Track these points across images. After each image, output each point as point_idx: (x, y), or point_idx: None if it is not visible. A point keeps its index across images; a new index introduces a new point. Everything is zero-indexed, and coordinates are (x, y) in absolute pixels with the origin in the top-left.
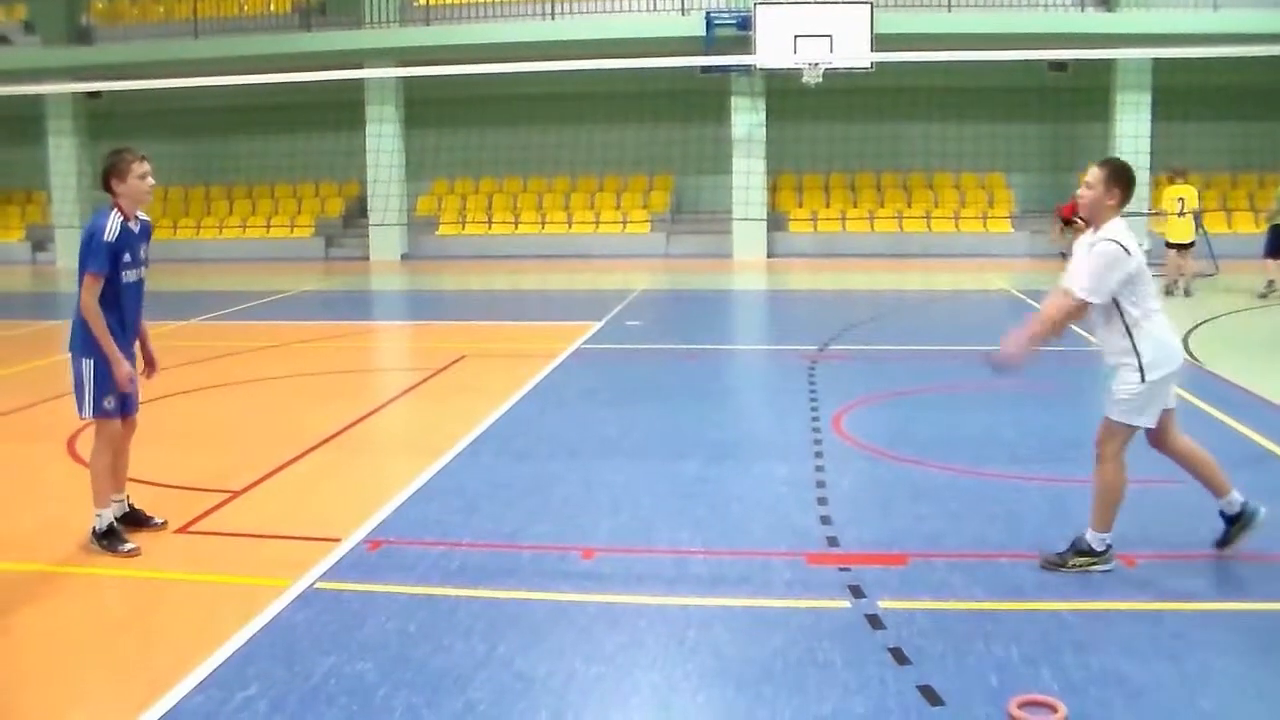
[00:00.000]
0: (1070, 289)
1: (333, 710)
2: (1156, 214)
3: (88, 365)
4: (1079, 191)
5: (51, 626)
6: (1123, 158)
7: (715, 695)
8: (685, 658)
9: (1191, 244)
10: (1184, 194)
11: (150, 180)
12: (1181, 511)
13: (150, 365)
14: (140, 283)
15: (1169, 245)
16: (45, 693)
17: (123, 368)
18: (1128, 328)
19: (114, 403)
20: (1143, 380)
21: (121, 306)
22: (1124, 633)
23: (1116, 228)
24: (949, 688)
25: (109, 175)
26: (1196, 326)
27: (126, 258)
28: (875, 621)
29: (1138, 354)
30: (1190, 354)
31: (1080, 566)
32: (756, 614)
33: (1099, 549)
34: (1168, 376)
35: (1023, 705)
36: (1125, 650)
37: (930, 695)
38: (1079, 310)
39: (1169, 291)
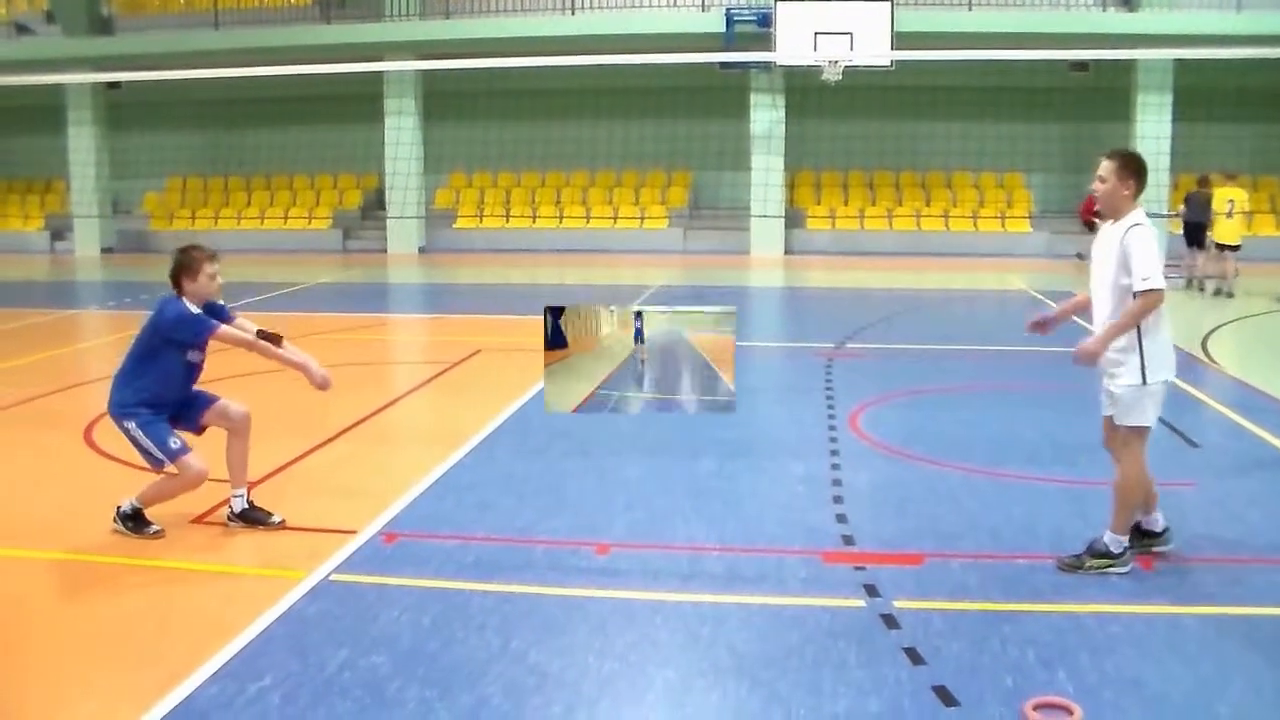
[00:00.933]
0: (1133, 285)
1: (346, 703)
2: (1176, 215)
3: (134, 426)
4: (1093, 186)
5: (66, 614)
6: (1141, 157)
7: (729, 692)
8: (699, 655)
9: (1238, 246)
10: (1234, 196)
11: (219, 280)
12: (1199, 515)
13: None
14: (200, 364)
15: (1218, 247)
16: (59, 681)
17: (308, 367)
18: (1139, 326)
19: (179, 442)
20: (1144, 382)
21: (179, 382)
22: (1141, 636)
23: (1140, 215)
24: (964, 688)
25: (179, 272)
26: (1216, 329)
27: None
28: (890, 621)
29: (1142, 354)
30: (1209, 356)
31: (1097, 568)
32: (771, 612)
33: (1116, 551)
34: (1166, 383)
35: (1038, 707)
36: (1142, 653)
37: (945, 696)
38: (1156, 301)
39: (1197, 288)
